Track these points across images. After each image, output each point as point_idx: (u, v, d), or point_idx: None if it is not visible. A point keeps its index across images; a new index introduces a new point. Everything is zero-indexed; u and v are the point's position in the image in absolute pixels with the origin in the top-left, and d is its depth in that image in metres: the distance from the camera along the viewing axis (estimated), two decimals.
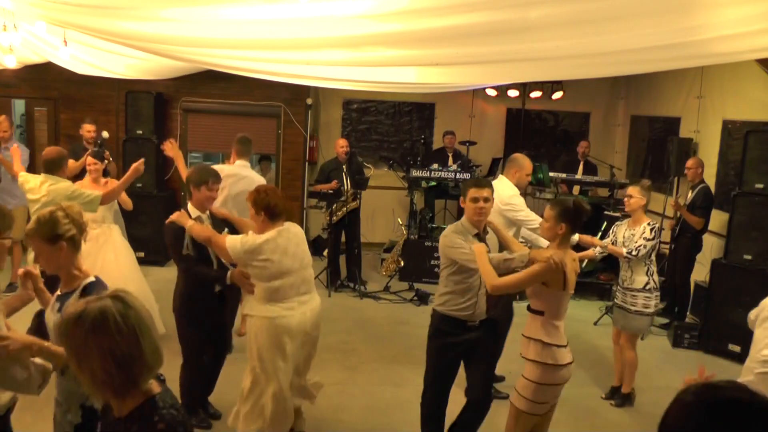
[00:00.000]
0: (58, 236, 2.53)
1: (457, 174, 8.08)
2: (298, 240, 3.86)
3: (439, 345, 3.76)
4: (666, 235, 6.91)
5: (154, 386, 1.76)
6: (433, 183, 8.59)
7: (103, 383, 1.66)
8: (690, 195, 6.61)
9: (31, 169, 8.66)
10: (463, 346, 3.71)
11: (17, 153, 5.65)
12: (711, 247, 6.94)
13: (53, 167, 4.62)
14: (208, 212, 4.21)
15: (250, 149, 5.83)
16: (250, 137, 5.83)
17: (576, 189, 8.68)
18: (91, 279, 2.59)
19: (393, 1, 2.93)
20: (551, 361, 3.28)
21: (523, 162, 4.85)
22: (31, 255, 4.09)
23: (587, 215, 3.36)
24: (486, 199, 3.59)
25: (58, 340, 1.70)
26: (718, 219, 6.83)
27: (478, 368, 3.77)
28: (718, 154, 7.11)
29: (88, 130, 7.45)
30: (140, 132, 8.38)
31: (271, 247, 3.68)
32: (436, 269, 7.98)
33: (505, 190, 4.71)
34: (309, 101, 8.79)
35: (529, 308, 3.41)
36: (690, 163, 6.64)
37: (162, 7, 3.33)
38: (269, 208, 3.73)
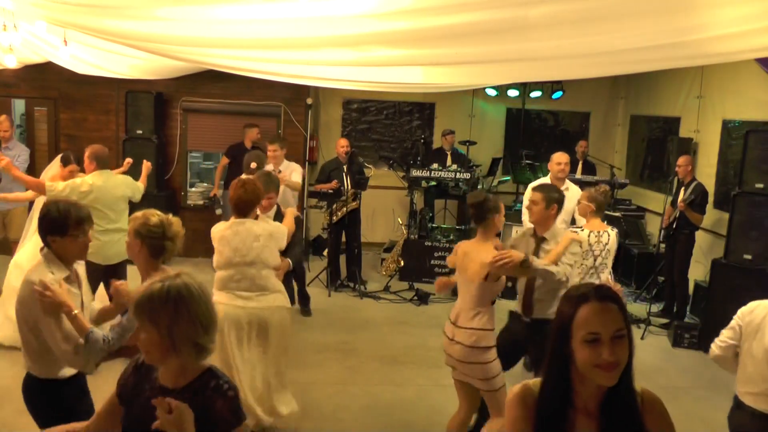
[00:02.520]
0: (139, 235, 2.81)
1: (457, 174, 8.08)
2: (246, 236, 3.92)
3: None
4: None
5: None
6: (433, 183, 8.59)
7: (184, 350, 1.89)
8: (683, 193, 6.62)
9: (32, 169, 8.69)
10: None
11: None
12: (710, 247, 6.94)
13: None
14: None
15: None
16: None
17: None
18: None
19: (393, 0, 2.93)
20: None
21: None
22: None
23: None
24: (534, 202, 3.94)
25: (142, 316, 1.89)
26: (718, 219, 6.83)
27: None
28: (717, 154, 7.11)
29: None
30: (140, 132, 8.38)
31: (218, 237, 3.94)
32: (436, 269, 7.98)
33: None
34: (309, 101, 8.79)
35: None
36: (681, 161, 6.65)
37: (162, 7, 3.33)
38: (232, 201, 3.98)
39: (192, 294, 1.91)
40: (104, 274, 4.82)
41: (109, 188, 5.07)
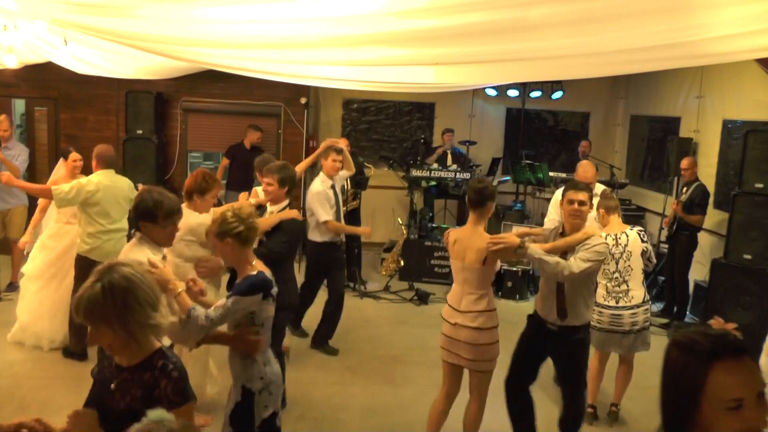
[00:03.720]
0: (224, 233, 2.87)
1: (457, 174, 8.08)
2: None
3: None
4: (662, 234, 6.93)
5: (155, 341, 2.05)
6: (433, 183, 8.60)
7: (141, 334, 1.96)
8: (685, 193, 6.62)
9: (32, 169, 8.70)
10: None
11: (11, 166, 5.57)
12: (710, 247, 6.94)
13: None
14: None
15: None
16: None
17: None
18: (254, 272, 2.90)
19: (394, 1, 2.93)
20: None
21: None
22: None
23: None
24: (581, 203, 3.75)
25: (93, 321, 1.94)
26: (718, 219, 6.83)
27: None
28: (718, 154, 7.11)
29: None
30: (140, 132, 8.38)
31: None
32: (436, 269, 7.99)
33: None
34: (303, 100, 8.80)
35: None
36: (685, 163, 6.65)
37: (162, 7, 3.33)
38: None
39: (132, 282, 1.94)
40: None
41: (114, 188, 5.10)
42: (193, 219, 4.06)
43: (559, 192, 5.14)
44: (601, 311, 4.48)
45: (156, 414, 1.48)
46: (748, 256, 5.91)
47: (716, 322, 2.56)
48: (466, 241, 3.70)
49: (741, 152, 6.09)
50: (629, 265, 4.46)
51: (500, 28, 3.08)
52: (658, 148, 8.63)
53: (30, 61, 6.78)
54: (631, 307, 4.45)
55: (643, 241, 4.53)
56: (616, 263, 4.47)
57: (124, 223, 5.21)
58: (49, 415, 2.87)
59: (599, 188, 5.25)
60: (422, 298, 7.30)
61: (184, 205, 4.06)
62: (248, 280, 2.86)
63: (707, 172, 7.06)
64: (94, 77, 7.46)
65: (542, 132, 9.97)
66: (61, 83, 8.39)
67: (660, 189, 7.75)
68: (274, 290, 2.96)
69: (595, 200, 5.11)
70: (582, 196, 3.74)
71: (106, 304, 1.89)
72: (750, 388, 1.37)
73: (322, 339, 5.73)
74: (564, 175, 8.30)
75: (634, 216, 8.51)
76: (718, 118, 7.14)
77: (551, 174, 8.09)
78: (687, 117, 7.83)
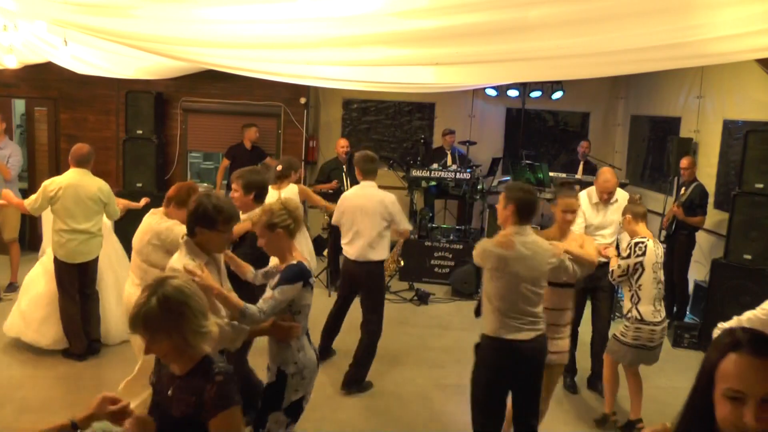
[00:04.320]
0: (275, 225, 3.03)
1: (457, 174, 8.08)
2: (142, 227, 4.06)
3: None
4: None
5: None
6: (433, 183, 8.59)
7: (195, 341, 2.05)
8: (684, 194, 6.62)
9: (31, 169, 8.70)
10: None
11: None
12: (710, 247, 6.94)
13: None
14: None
15: (376, 168, 5.09)
16: (373, 154, 5.14)
17: (576, 189, 8.66)
18: (294, 261, 3.06)
19: (394, 2, 2.94)
20: None
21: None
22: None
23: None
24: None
25: (150, 331, 2.04)
26: (718, 219, 6.83)
27: None
28: (718, 154, 7.11)
29: None
30: (140, 132, 8.38)
31: None
32: (436, 269, 7.99)
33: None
34: (303, 100, 8.80)
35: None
36: (684, 163, 6.65)
37: (161, 7, 3.33)
38: None
39: (185, 293, 2.04)
40: (74, 271, 5.19)
41: (79, 187, 5.11)
42: (164, 224, 3.97)
43: (583, 194, 5.20)
44: (639, 327, 4.30)
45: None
46: (748, 256, 5.91)
47: None
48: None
49: (741, 152, 6.09)
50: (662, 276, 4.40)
51: (500, 29, 3.08)
52: (658, 148, 8.63)
53: (30, 61, 6.78)
54: (662, 321, 4.37)
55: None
56: (655, 273, 4.33)
57: (93, 226, 5.17)
58: (49, 416, 2.88)
59: (620, 194, 5.15)
60: (422, 299, 7.30)
61: (160, 210, 4.08)
62: (290, 269, 3.02)
63: (708, 172, 7.06)
64: (93, 77, 7.46)
65: (542, 132, 9.97)
66: (61, 83, 8.39)
67: (660, 189, 7.74)
68: (313, 279, 3.12)
69: (614, 206, 5.06)
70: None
71: (163, 316, 1.99)
72: (755, 387, 1.34)
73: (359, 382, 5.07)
74: (564, 175, 8.30)
75: None
76: (719, 118, 7.13)
77: (551, 174, 8.08)
78: (687, 117, 7.83)
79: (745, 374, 1.35)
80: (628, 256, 4.32)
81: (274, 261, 3.63)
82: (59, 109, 8.71)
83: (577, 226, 4.65)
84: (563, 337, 3.93)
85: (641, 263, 4.28)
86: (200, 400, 2.04)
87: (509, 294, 3.36)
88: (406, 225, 5.13)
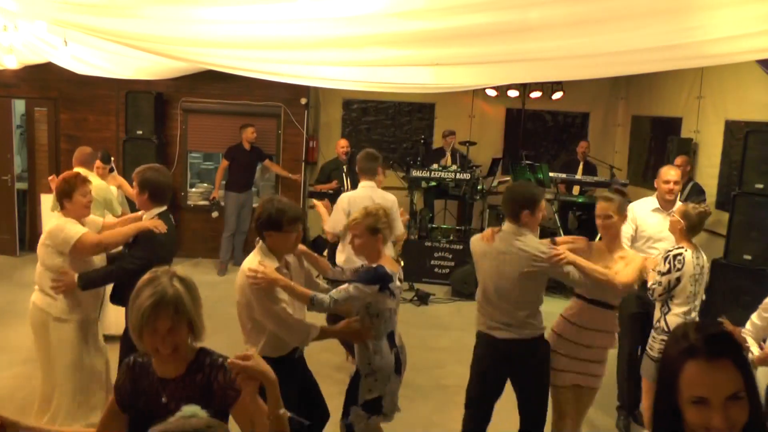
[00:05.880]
0: (379, 230, 3.26)
1: (457, 174, 8.08)
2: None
3: None
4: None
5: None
6: (433, 183, 8.59)
7: (199, 331, 1.99)
8: (681, 194, 6.60)
9: (32, 169, 8.70)
10: None
11: None
12: (710, 247, 6.93)
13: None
14: None
15: (375, 167, 5.09)
16: (376, 152, 5.15)
17: (576, 189, 8.68)
18: (376, 265, 3.26)
19: (395, 2, 2.94)
20: None
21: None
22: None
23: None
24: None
25: (177, 316, 1.92)
26: (718, 219, 6.83)
27: None
28: (720, 155, 7.11)
29: None
30: (140, 132, 8.38)
31: None
32: (436, 269, 7.98)
33: None
34: (303, 101, 8.80)
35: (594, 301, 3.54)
36: (679, 161, 6.64)
37: (161, 7, 3.33)
38: None
39: (191, 281, 2.02)
40: None
41: None
42: (55, 223, 3.73)
43: (643, 201, 4.73)
44: (665, 339, 3.74)
45: (190, 410, 1.42)
46: (748, 257, 5.91)
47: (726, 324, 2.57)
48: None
49: (741, 153, 6.09)
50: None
51: (500, 29, 3.08)
52: (658, 149, 8.63)
53: (30, 62, 6.79)
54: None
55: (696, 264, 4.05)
56: (692, 285, 3.97)
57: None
58: None
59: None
60: (422, 299, 7.30)
61: (56, 213, 3.86)
62: (371, 271, 3.18)
63: (709, 172, 7.06)
64: (94, 77, 7.45)
65: (542, 132, 9.97)
66: (61, 83, 8.39)
67: None
68: (393, 284, 3.23)
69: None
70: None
71: (190, 296, 1.94)
72: (717, 391, 1.36)
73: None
74: (564, 175, 8.30)
75: None
76: (719, 118, 7.13)
77: (551, 174, 8.08)
78: (688, 117, 7.83)
79: (705, 381, 1.37)
80: (669, 272, 3.89)
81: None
82: (59, 110, 8.71)
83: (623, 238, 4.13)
84: (593, 360, 3.58)
85: (679, 277, 3.91)
86: (206, 394, 1.93)
87: (482, 288, 3.56)
88: (400, 228, 5.18)
